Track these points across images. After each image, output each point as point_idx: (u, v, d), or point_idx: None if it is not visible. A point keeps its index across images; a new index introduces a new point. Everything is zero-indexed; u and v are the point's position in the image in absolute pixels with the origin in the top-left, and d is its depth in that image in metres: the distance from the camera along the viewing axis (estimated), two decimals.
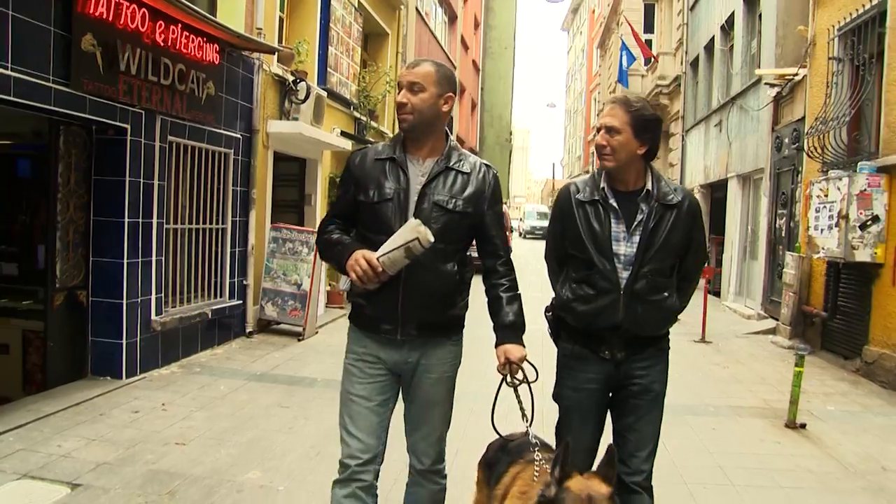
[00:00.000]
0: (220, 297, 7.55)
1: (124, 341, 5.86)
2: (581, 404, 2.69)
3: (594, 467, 2.39)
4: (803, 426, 5.43)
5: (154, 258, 6.19)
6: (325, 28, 10.08)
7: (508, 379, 2.56)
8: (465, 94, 26.16)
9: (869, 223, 7.10)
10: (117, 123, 5.65)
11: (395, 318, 2.50)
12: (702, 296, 9.21)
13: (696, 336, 9.20)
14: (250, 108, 7.89)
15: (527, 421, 2.48)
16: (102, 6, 5.20)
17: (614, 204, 2.64)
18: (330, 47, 10.17)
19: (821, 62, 8.89)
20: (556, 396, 2.79)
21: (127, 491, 3.72)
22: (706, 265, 12.03)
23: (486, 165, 2.66)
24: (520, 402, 2.50)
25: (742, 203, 13.01)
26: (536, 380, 2.60)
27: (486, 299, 2.68)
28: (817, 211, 8.01)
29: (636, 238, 2.60)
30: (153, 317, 6.22)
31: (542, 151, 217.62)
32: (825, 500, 4.07)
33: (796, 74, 9.81)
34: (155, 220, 6.18)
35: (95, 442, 4.43)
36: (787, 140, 10.21)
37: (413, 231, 2.25)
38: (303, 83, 8.73)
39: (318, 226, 2.68)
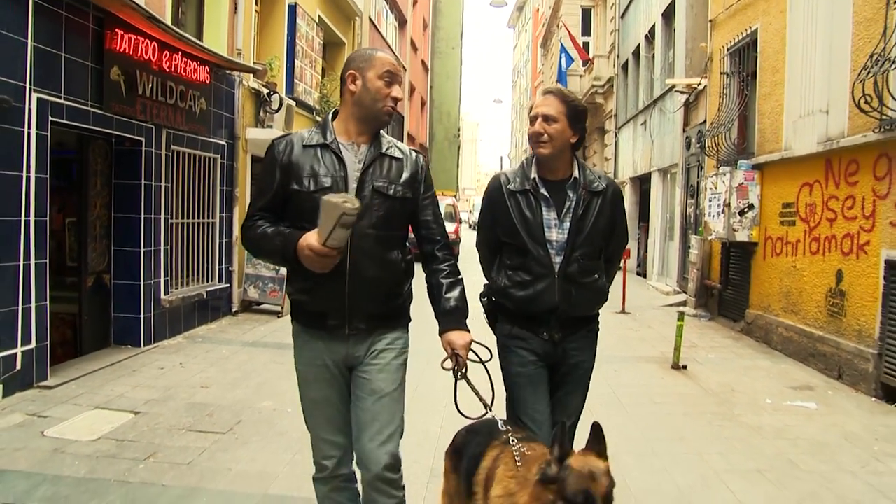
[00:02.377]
0: (211, 281, 8.82)
1: (142, 316, 7.13)
2: (531, 377, 2.74)
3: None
4: (685, 367, 7.03)
5: (162, 247, 7.45)
6: (292, 44, 11.35)
7: (457, 371, 2.53)
8: (415, 93, 27.52)
9: (746, 210, 8.78)
10: (134, 136, 6.90)
11: (341, 312, 2.43)
12: (622, 273, 10.83)
13: (618, 309, 10.85)
14: (232, 118, 9.16)
15: (487, 408, 2.48)
16: (125, 43, 6.46)
17: (545, 192, 2.73)
18: (296, 61, 11.45)
19: (716, 75, 10.57)
20: (505, 375, 2.81)
21: (176, 415, 5.05)
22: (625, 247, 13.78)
23: (416, 151, 2.66)
24: (474, 390, 2.50)
25: (662, 194, 14.74)
26: (490, 359, 2.63)
27: (426, 286, 2.66)
28: (710, 200, 9.69)
29: (566, 224, 2.70)
30: (162, 296, 7.48)
31: (491, 144, 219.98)
32: (685, 410, 5.63)
33: (699, 84, 11.50)
34: (162, 216, 7.44)
35: (138, 387, 5.73)
36: (694, 140, 11.90)
37: (335, 209, 2.14)
38: (276, 95, 10.03)
39: (242, 223, 2.58)
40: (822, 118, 7.11)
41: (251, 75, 9.55)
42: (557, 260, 2.69)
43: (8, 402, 5.12)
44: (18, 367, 5.30)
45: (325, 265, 2.27)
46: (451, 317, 2.55)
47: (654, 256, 15.19)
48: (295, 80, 11.49)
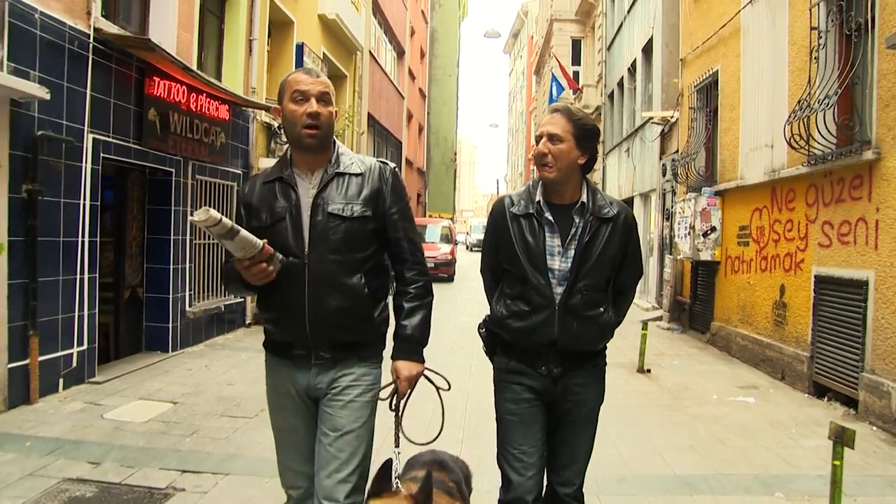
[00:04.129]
0: (228, 296, 9.78)
1: (170, 325, 8.09)
2: (523, 416, 2.61)
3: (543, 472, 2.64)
4: (648, 371, 7.98)
5: (188, 265, 8.43)
6: None
7: (392, 400, 2.42)
8: (413, 119, 28.69)
9: (709, 232, 9.78)
10: (166, 168, 7.90)
11: (305, 341, 2.38)
12: None
13: None
14: (247, 149, 10.18)
15: (397, 447, 2.36)
16: (161, 88, 7.49)
17: (549, 217, 2.57)
18: None
19: (686, 109, 11.63)
20: (497, 409, 2.71)
21: (209, 404, 6.00)
22: None
23: (383, 163, 2.54)
24: (398, 427, 2.40)
25: (643, 217, 15.75)
26: (449, 389, 2.56)
27: (392, 307, 2.57)
28: (678, 223, 10.70)
29: (571, 252, 2.54)
30: (187, 308, 8.45)
31: (488, 167, 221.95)
32: (641, 403, 6.57)
33: (672, 117, 12.56)
34: (188, 238, 8.43)
35: (173, 384, 6.68)
36: (668, 167, 12.94)
37: (200, 224, 2.09)
38: None
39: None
40: (768, 152, 8.14)
41: (264, 111, 10.58)
42: (559, 290, 2.52)
43: (67, 393, 6.07)
44: (74, 364, 6.26)
45: (259, 277, 2.24)
46: (404, 345, 2.45)
47: None
48: None
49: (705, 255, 9.83)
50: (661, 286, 13.64)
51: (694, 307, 11.07)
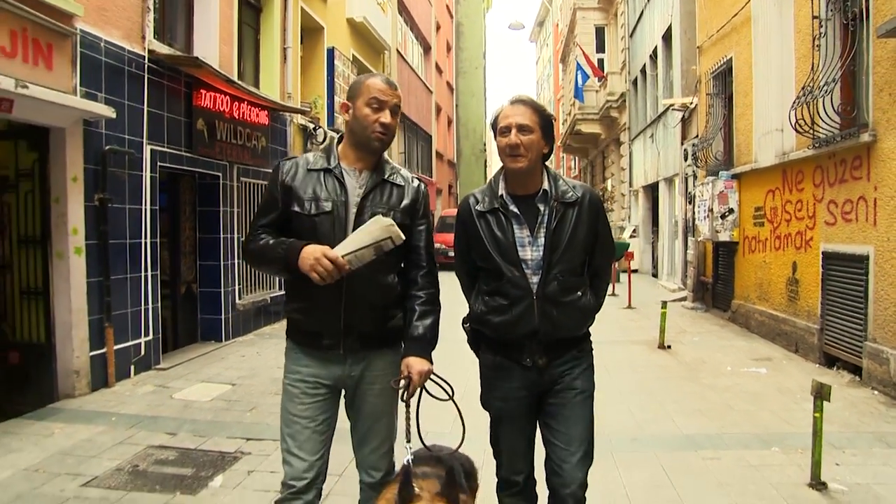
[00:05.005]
0: (273, 289, 10.46)
1: (222, 317, 8.80)
2: (511, 412, 2.65)
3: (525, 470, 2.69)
4: (669, 347, 8.46)
5: (236, 261, 9.12)
6: (332, 82, 13.06)
7: (404, 395, 2.44)
8: (442, 113, 29.23)
9: (727, 214, 10.19)
10: (214, 173, 8.59)
11: (336, 331, 2.47)
12: (627, 274, 12.26)
13: (625, 304, 12.28)
14: (285, 151, 10.84)
15: (409, 442, 2.37)
16: (207, 100, 8.16)
17: (515, 210, 2.59)
18: (335, 97, 13.14)
19: (703, 95, 11.99)
20: (485, 405, 2.75)
21: (264, 385, 6.66)
22: (626, 251, 15.05)
23: (417, 179, 2.68)
24: (408, 420, 2.43)
25: (668, 201, 16.12)
26: (453, 395, 2.54)
27: (402, 309, 2.62)
28: (698, 206, 11.10)
29: (541, 240, 2.55)
30: (237, 301, 9.15)
31: None
32: (658, 375, 7.07)
33: (691, 103, 12.92)
34: (235, 236, 9.12)
35: (229, 369, 7.36)
36: (689, 152, 13.30)
37: (385, 230, 2.26)
38: (320, 129, 11.72)
39: (245, 238, 2.63)
40: (779, 136, 8.53)
41: (299, 114, 11.23)
42: (535, 280, 2.53)
43: (138, 377, 6.80)
44: (142, 353, 6.97)
45: (325, 275, 2.28)
46: (416, 343, 2.52)
47: (663, 258, 16.57)
48: (335, 114, 13.18)
49: (724, 237, 10.24)
50: (686, 269, 14.03)
51: (716, 286, 11.48)
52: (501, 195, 2.63)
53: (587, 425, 2.64)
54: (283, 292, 10.58)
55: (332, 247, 2.32)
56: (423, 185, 2.70)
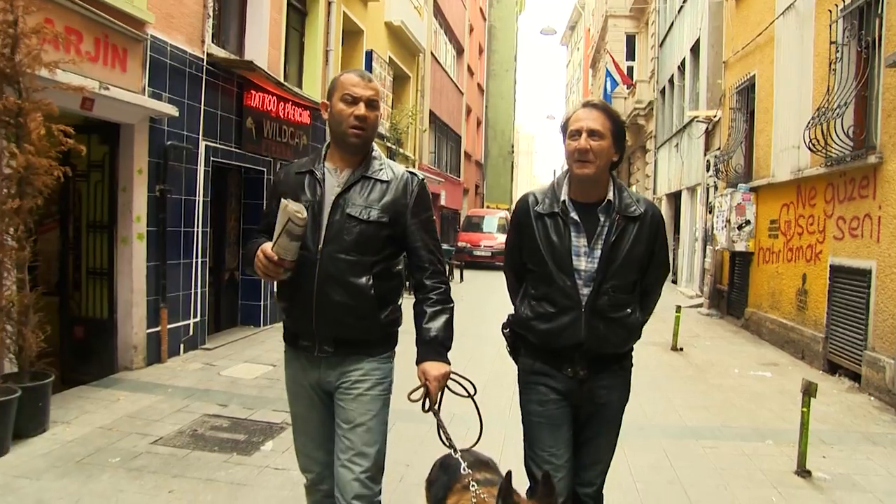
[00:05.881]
0: None
1: (262, 303, 9.40)
2: (552, 417, 2.58)
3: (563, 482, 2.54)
4: (681, 349, 8.91)
5: None
6: None
7: (426, 404, 2.41)
8: (472, 114, 29.75)
9: (743, 225, 10.59)
10: (258, 168, 9.18)
11: (310, 333, 2.45)
12: None
13: None
14: None
15: (453, 449, 2.37)
16: (256, 100, 8.76)
17: (575, 217, 2.50)
18: None
19: (727, 109, 12.38)
20: (523, 410, 2.69)
21: None
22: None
23: (412, 173, 2.57)
24: (441, 425, 2.40)
25: (690, 210, 16.50)
26: (475, 393, 2.53)
27: (413, 314, 2.58)
28: (717, 217, 11.52)
29: (597, 252, 2.48)
30: (275, 289, 9.71)
31: (547, 156, 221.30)
32: (669, 374, 7.54)
33: (715, 116, 13.31)
34: None
35: (270, 351, 7.93)
36: (712, 163, 13.68)
37: (284, 213, 2.22)
38: None
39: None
40: (795, 153, 8.93)
41: None
42: (585, 291, 2.47)
43: (187, 356, 7.41)
44: (191, 333, 7.59)
45: (268, 272, 2.32)
46: (429, 347, 2.47)
47: (683, 265, 16.96)
48: None
49: (740, 247, 10.65)
50: (704, 275, 14.42)
51: (731, 294, 11.89)
52: (563, 200, 2.54)
53: (614, 442, 2.69)
54: None
55: (308, 243, 2.40)
56: (417, 179, 2.58)
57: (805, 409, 4.49)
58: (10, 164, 4.54)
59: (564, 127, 2.57)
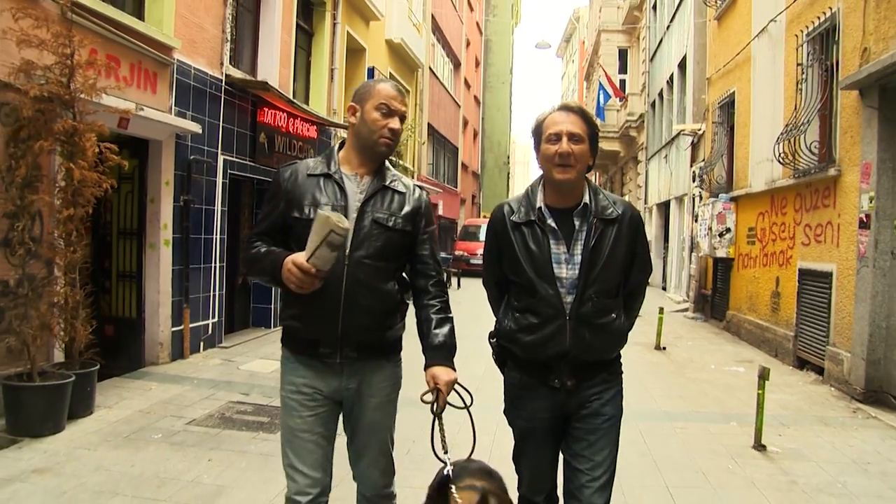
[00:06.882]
0: None
1: (272, 306, 10.04)
2: (535, 432, 2.56)
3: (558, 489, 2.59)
4: (664, 349, 9.56)
5: None
6: None
7: (435, 406, 2.39)
8: (468, 126, 30.50)
9: (724, 233, 11.27)
10: (270, 180, 9.81)
11: (333, 339, 2.40)
12: None
13: None
14: None
15: (446, 453, 2.27)
16: (268, 116, 9.44)
17: (552, 224, 2.45)
18: None
19: (710, 123, 13.09)
20: (510, 422, 2.66)
21: None
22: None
23: (419, 186, 2.63)
24: (442, 432, 2.36)
25: (678, 219, 17.19)
26: (472, 404, 2.50)
27: (416, 320, 2.58)
28: (700, 225, 12.20)
29: (577, 258, 2.42)
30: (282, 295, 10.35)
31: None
32: (651, 370, 8.18)
33: (700, 129, 14.02)
34: None
35: None
36: (697, 174, 14.39)
37: (325, 225, 2.15)
38: None
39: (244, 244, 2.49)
40: (769, 165, 9.62)
41: (343, 129, 12.48)
42: (569, 299, 2.41)
43: (207, 353, 8.05)
44: (210, 332, 8.23)
45: (303, 284, 2.23)
46: (438, 352, 2.48)
47: (671, 271, 17.64)
48: None
49: (721, 253, 11.33)
50: (689, 281, 15.10)
51: (714, 298, 12.56)
52: (539, 207, 2.49)
53: (612, 452, 2.54)
54: None
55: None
56: (425, 194, 2.65)
57: (760, 392, 5.16)
58: (64, 178, 5.19)
59: (538, 131, 2.52)
